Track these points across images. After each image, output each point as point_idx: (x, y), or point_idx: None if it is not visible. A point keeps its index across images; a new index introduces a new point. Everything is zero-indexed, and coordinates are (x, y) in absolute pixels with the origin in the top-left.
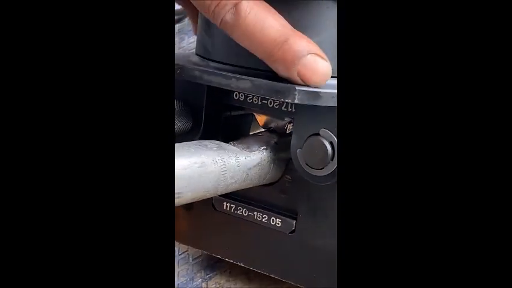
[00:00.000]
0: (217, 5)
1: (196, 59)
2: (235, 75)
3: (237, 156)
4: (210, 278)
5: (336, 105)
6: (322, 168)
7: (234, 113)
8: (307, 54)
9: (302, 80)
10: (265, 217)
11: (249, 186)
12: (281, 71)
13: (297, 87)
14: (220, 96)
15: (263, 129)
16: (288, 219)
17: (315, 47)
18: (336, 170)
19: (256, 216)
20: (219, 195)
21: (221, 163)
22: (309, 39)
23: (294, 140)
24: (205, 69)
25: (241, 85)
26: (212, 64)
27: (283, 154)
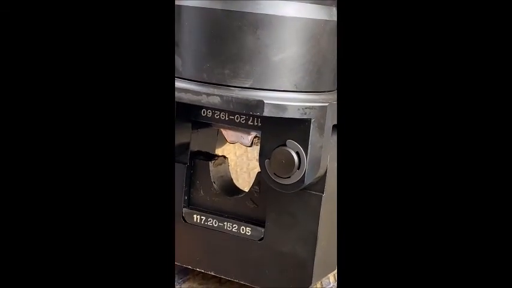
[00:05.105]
0: None
1: None
2: (205, 92)
3: None
4: (184, 281)
5: (301, 117)
6: (289, 177)
7: (201, 130)
8: None
9: None
10: (235, 226)
11: None
12: None
13: (266, 101)
14: (189, 114)
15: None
16: (257, 227)
17: None
18: (302, 178)
19: (227, 226)
20: (188, 209)
21: None
22: None
23: (261, 151)
24: (176, 86)
25: (211, 101)
26: (182, 82)
27: None
